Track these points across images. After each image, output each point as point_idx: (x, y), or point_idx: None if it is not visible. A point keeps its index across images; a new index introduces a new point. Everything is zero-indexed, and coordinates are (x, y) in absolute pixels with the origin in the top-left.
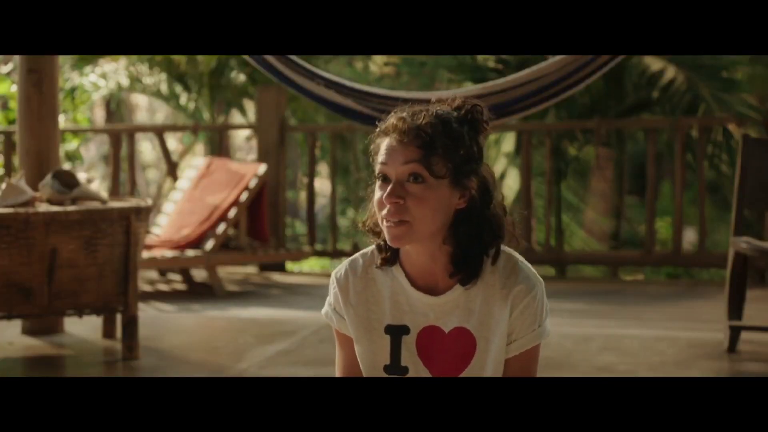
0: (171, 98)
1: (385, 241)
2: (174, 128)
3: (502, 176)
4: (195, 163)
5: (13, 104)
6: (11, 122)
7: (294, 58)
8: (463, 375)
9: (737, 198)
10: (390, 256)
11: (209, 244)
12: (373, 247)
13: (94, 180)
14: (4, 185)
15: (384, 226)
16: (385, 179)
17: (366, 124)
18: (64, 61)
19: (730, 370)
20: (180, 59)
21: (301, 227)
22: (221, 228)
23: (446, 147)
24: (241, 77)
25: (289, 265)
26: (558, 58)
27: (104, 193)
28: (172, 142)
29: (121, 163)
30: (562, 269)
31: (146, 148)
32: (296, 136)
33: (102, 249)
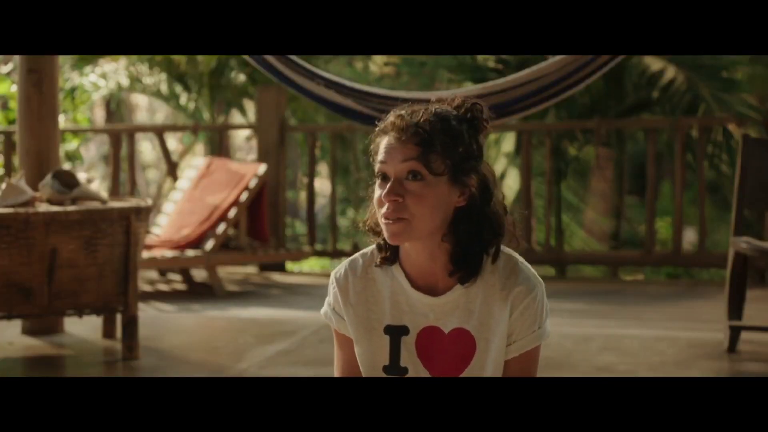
0: (171, 98)
1: (385, 240)
2: (174, 128)
3: (502, 176)
4: (195, 163)
5: (13, 104)
6: (11, 122)
7: (294, 58)
8: (462, 376)
9: (737, 198)
10: (390, 256)
11: (209, 244)
12: (372, 247)
13: (94, 180)
14: (4, 185)
15: (383, 223)
16: (385, 177)
17: (366, 124)
18: (64, 61)
19: (730, 370)
20: (180, 59)
21: (301, 227)
22: (221, 228)
23: (445, 144)
24: (241, 77)
25: (289, 265)
26: (558, 58)
27: (104, 193)
28: (172, 142)
29: (121, 163)
30: (562, 269)
31: (146, 148)
32: (296, 136)
33: (102, 249)
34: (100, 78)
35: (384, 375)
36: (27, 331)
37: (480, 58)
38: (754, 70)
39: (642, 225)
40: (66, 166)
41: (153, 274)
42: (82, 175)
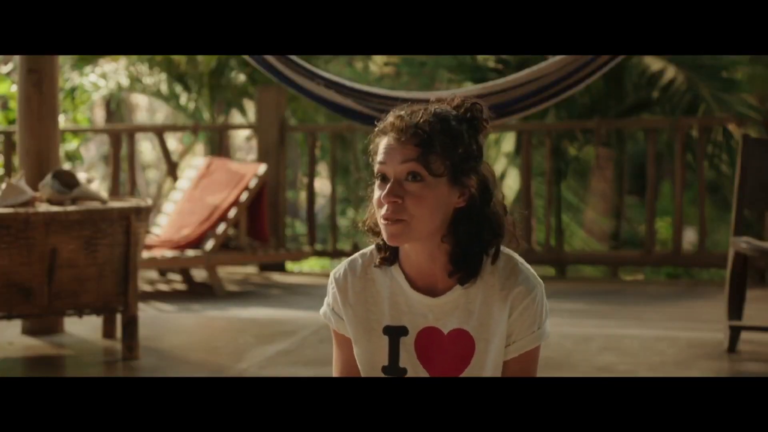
0: (171, 98)
1: (384, 240)
2: (174, 128)
3: (502, 176)
4: (195, 163)
5: (13, 104)
6: (11, 122)
7: (294, 58)
8: (462, 376)
9: (737, 198)
10: (389, 256)
11: (209, 244)
12: (372, 247)
13: (94, 180)
14: (4, 185)
15: (382, 224)
16: (384, 178)
17: (366, 124)
18: (64, 61)
19: (730, 370)
20: (180, 59)
21: (301, 227)
22: (221, 228)
23: (444, 145)
24: (241, 77)
25: (289, 265)
26: (558, 58)
27: (104, 193)
28: (172, 142)
29: (121, 163)
30: (562, 269)
31: (146, 148)
32: (296, 136)
33: (102, 249)
34: (100, 78)
35: (383, 376)
36: (27, 331)
37: (480, 58)
38: (754, 70)
39: (642, 225)
40: (66, 166)
41: (153, 274)
42: (82, 175)
